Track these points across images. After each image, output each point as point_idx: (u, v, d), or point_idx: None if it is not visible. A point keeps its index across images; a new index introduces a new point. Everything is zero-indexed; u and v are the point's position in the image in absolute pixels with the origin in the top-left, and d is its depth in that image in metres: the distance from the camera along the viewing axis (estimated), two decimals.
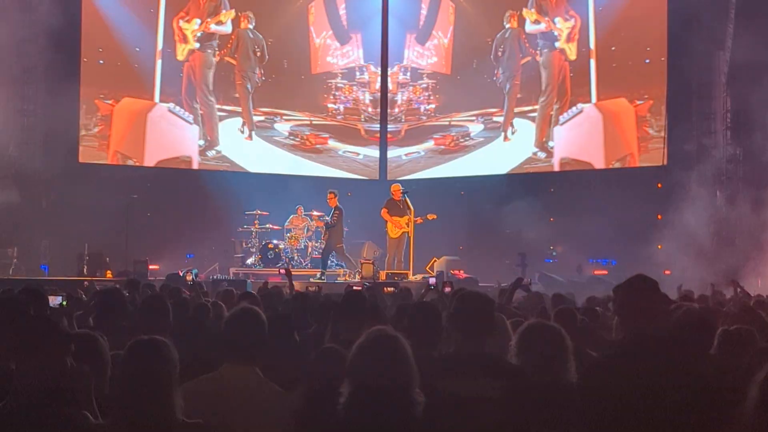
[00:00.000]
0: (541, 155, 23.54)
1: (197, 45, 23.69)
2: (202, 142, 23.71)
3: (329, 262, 20.28)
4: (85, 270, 18.80)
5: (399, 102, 25.81)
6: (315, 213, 21.27)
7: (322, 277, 19.18)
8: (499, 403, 4.06)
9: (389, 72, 25.52)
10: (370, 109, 25.73)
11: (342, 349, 4.44)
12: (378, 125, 25.52)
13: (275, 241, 20.93)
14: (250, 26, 24.06)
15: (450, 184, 23.35)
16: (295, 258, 20.95)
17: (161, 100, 23.21)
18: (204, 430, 3.79)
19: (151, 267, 19.02)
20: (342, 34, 25.44)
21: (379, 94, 25.47)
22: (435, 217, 19.49)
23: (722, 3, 19.33)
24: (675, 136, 20.28)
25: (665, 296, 4.59)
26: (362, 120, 25.59)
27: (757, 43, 17.36)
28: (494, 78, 24.18)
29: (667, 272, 17.10)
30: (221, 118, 24.00)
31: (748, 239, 18.32)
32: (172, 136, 23.68)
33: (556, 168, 23.10)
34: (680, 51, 19.88)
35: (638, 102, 21.91)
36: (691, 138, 20.08)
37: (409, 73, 25.71)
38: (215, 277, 19.39)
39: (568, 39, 23.32)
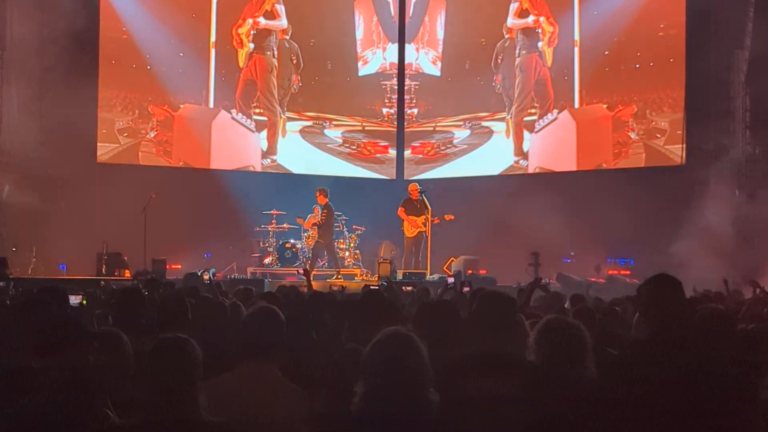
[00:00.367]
0: (524, 163, 23.54)
1: (252, 45, 23.38)
2: (262, 150, 23.68)
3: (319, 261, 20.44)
4: (103, 269, 18.86)
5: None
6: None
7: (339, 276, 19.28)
8: (520, 402, 4.05)
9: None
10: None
11: (363, 348, 4.44)
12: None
13: (292, 241, 20.91)
14: (287, 36, 23.79)
15: (466, 183, 23.28)
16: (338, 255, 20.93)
17: (215, 106, 23.22)
18: (229, 430, 3.78)
19: (172, 266, 19.09)
20: (390, 32, 24.92)
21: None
22: (452, 217, 19.50)
23: (741, 1, 19.24)
24: (693, 136, 20.17)
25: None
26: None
27: None
28: (494, 83, 23.83)
29: (686, 275, 17.00)
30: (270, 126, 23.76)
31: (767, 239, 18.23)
32: (236, 144, 23.63)
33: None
34: (698, 50, 19.77)
35: (620, 107, 21.88)
36: (710, 137, 19.97)
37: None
38: (233, 276, 19.43)
39: (549, 43, 23.01)
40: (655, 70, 21.31)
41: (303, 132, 24.32)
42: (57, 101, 20.08)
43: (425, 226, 19.55)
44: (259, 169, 23.66)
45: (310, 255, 20.56)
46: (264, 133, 23.76)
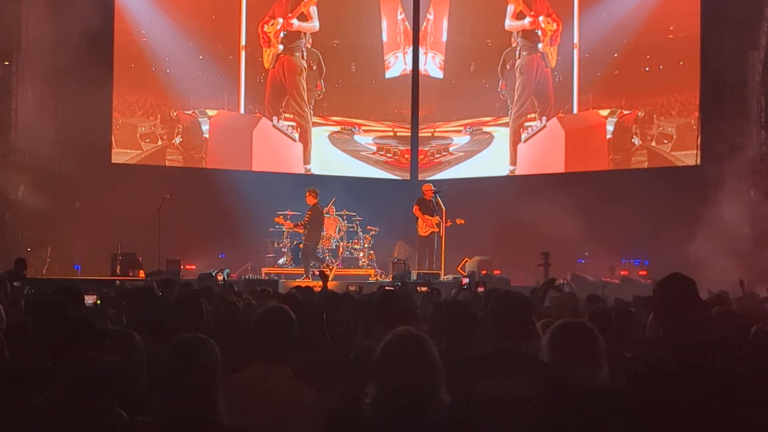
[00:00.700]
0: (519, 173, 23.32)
1: (281, 47, 23.00)
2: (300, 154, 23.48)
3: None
4: (118, 270, 18.89)
5: None
6: (346, 213, 21.27)
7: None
8: (535, 403, 4.03)
9: None
10: None
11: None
12: None
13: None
14: (308, 44, 23.48)
15: (480, 183, 23.23)
16: (327, 258, 20.90)
17: (245, 111, 22.98)
18: None
19: (187, 267, 19.13)
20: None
21: None
22: (463, 222, 19.52)
23: (756, 1, 19.18)
24: (708, 136, 20.10)
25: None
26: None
27: None
28: (499, 89, 23.44)
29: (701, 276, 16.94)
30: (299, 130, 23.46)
31: None
32: (279, 153, 23.44)
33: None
34: (712, 50, 19.67)
35: (623, 112, 21.65)
36: (725, 137, 19.88)
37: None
38: (247, 277, 19.44)
39: (551, 42, 22.63)
40: (664, 73, 21.12)
41: (332, 138, 23.95)
42: (72, 102, 20.14)
43: (438, 227, 19.56)
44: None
45: (325, 256, 20.56)
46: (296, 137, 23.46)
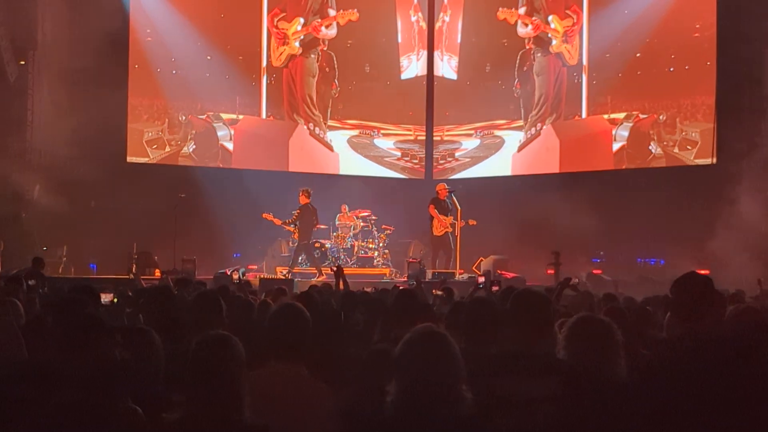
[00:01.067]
0: None
1: (298, 47, 22.49)
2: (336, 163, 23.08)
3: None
4: (133, 269, 18.94)
5: None
6: (362, 212, 21.25)
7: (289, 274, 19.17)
8: (554, 402, 4.02)
9: None
10: None
11: (393, 348, 4.42)
12: None
13: (321, 240, 20.92)
14: (323, 48, 23.15)
15: (494, 182, 23.17)
16: (342, 257, 20.89)
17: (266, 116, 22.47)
18: None
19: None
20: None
21: None
22: (475, 222, 19.54)
23: None
24: (725, 134, 20.00)
25: (720, 295, 4.53)
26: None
27: None
28: (514, 88, 22.96)
29: (705, 271, 16.82)
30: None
31: None
32: (317, 162, 23.08)
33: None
34: (729, 48, 19.57)
35: (642, 116, 20.88)
36: (742, 135, 19.78)
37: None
38: (262, 276, 19.46)
39: (566, 40, 21.96)
40: (689, 73, 20.30)
41: (351, 142, 23.60)
42: (87, 101, 20.16)
43: (453, 227, 19.56)
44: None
45: (340, 254, 20.58)
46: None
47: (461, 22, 23.62)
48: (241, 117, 22.44)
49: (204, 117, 22.15)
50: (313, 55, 22.77)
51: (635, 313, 7.30)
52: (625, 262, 19.91)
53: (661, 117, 20.76)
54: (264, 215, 20.00)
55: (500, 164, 23.54)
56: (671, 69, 20.60)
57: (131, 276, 15.36)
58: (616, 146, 21.52)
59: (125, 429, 3.71)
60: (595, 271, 19.06)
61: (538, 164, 22.82)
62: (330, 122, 23.39)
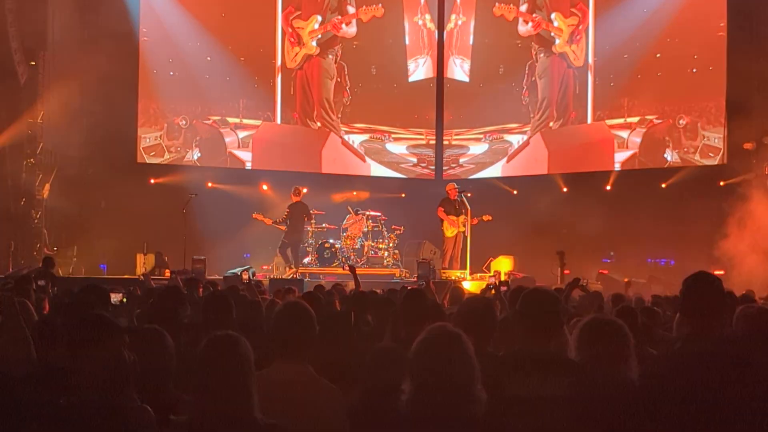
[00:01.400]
0: None
1: (315, 47, 21.92)
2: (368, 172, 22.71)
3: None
4: (144, 269, 19.00)
5: None
6: (371, 212, 21.22)
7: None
8: (565, 402, 4.02)
9: None
10: None
11: (400, 348, 4.42)
12: None
13: (331, 241, 20.88)
14: (339, 53, 22.66)
15: (504, 183, 23.10)
16: (352, 258, 20.87)
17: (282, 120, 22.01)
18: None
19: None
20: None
21: None
22: (490, 218, 19.44)
23: None
24: (735, 134, 19.92)
25: (730, 294, 4.53)
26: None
27: None
28: (522, 96, 22.40)
29: (720, 272, 16.77)
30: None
31: None
32: (348, 170, 22.77)
33: None
34: (740, 48, 19.48)
35: (656, 121, 20.13)
36: (752, 135, 19.70)
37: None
38: (272, 276, 19.46)
39: (571, 40, 21.29)
40: (713, 75, 19.43)
41: (363, 147, 23.19)
42: (98, 102, 20.19)
43: (464, 226, 19.51)
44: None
45: (350, 255, 20.56)
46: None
47: (473, 23, 23.15)
48: (259, 123, 22.09)
49: (210, 122, 21.81)
50: (330, 56, 22.26)
51: (644, 312, 7.30)
52: (635, 262, 19.86)
53: (681, 121, 19.98)
54: (254, 215, 20.00)
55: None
56: (694, 70, 19.79)
57: (141, 277, 15.38)
58: (625, 155, 20.96)
59: (135, 428, 3.71)
60: (602, 271, 19.03)
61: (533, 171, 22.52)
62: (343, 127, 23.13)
